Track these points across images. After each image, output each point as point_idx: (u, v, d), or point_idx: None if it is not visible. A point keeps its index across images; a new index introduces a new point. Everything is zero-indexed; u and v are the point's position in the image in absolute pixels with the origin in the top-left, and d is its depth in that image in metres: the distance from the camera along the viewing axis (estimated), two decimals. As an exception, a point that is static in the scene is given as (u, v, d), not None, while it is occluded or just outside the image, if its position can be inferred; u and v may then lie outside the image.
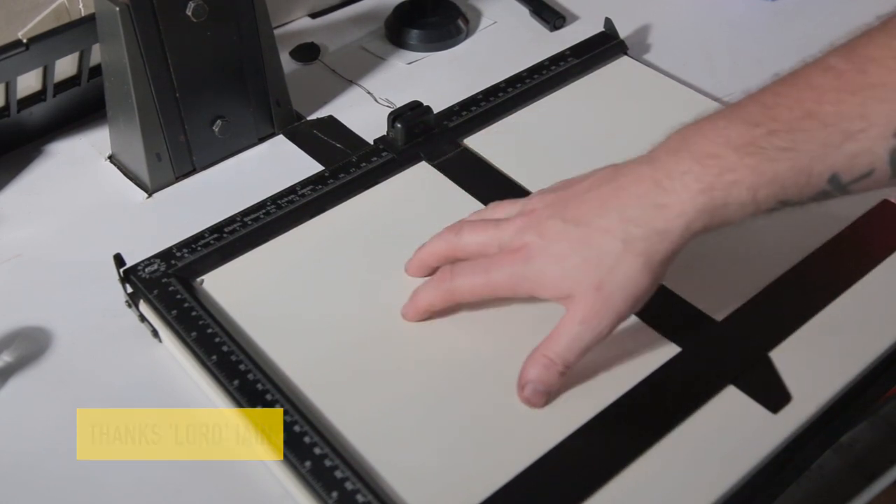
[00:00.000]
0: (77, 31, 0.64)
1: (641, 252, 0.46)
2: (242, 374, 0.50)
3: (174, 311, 0.53)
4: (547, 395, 0.49)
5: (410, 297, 0.54)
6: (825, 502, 0.48)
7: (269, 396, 0.48)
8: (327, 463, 0.45)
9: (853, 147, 0.42)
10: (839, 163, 0.43)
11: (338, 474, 0.45)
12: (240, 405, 0.49)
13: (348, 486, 0.44)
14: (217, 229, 0.59)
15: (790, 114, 0.44)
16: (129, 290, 0.56)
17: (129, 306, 0.56)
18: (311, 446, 0.46)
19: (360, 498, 0.44)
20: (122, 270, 0.56)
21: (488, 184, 0.63)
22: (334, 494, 0.44)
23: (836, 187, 0.44)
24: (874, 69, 0.43)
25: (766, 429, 0.48)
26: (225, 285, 0.57)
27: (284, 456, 0.46)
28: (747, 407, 0.49)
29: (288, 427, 0.47)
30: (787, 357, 0.51)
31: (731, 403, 0.49)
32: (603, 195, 0.47)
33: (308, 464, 0.45)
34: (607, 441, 0.48)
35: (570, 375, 0.50)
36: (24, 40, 0.62)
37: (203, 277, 0.57)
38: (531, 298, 0.49)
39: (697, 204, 0.44)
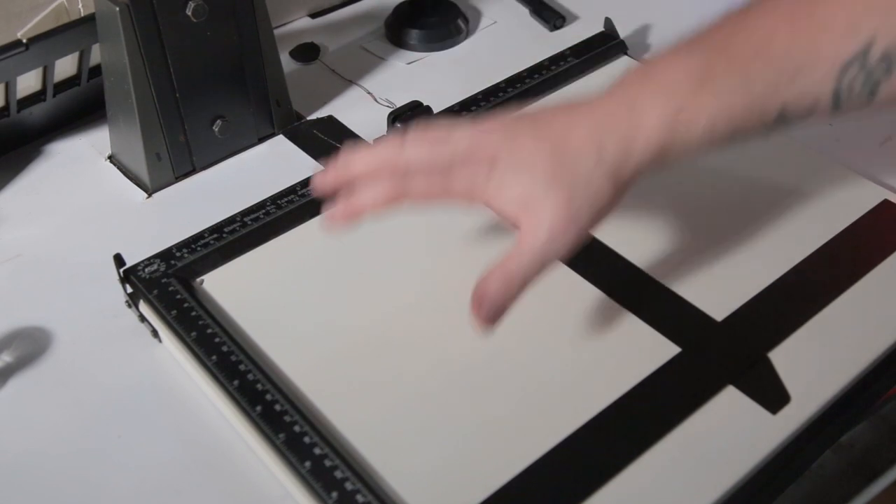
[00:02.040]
0: (77, 31, 0.64)
1: (612, 172, 0.45)
2: (242, 374, 0.50)
3: (174, 311, 0.53)
4: (501, 315, 0.46)
5: (345, 203, 0.49)
6: (825, 502, 0.48)
7: (268, 396, 0.48)
8: (327, 463, 0.45)
9: (802, 82, 0.44)
10: (788, 98, 0.44)
11: (338, 474, 0.45)
12: (240, 405, 0.49)
13: (348, 486, 0.44)
14: (217, 229, 0.59)
15: (744, 49, 0.45)
16: (129, 290, 0.56)
17: (129, 306, 0.56)
18: (311, 446, 0.46)
19: (360, 498, 0.44)
20: (122, 270, 0.56)
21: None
22: (334, 494, 0.44)
23: (782, 121, 0.45)
24: (822, 5, 0.44)
25: (765, 429, 0.48)
26: (225, 285, 0.57)
27: (284, 456, 0.46)
28: (747, 407, 0.49)
29: (288, 427, 0.47)
30: (787, 357, 0.51)
31: (730, 404, 0.49)
32: (572, 114, 0.47)
33: (308, 464, 0.45)
34: (607, 441, 0.47)
35: (571, 376, 0.50)
36: (24, 40, 0.62)
37: (203, 277, 0.57)
38: (486, 212, 0.47)
39: (662, 131, 0.45)
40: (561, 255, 0.46)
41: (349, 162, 0.48)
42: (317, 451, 0.46)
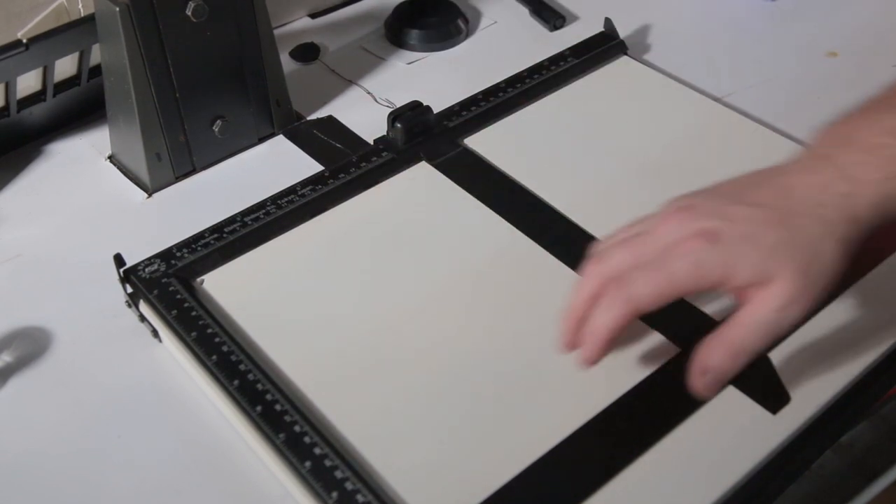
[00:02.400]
0: (77, 31, 0.64)
1: (841, 238, 0.44)
2: (242, 374, 0.50)
3: (174, 311, 0.53)
4: (724, 381, 0.45)
5: (583, 337, 0.46)
6: (825, 502, 0.48)
7: (269, 396, 0.48)
8: (327, 463, 0.45)
9: None
10: None
11: (338, 474, 0.45)
12: (240, 405, 0.49)
13: (348, 486, 0.44)
14: (217, 229, 0.59)
15: None
16: (129, 290, 0.56)
17: (129, 306, 0.56)
18: (311, 446, 0.46)
19: (360, 498, 0.44)
20: (122, 270, 0.56)
21: (488, 184, 0.63)
22: (334, 494, 0.44)
23: None
24: None
25: (765, 429, 0.48)
26: (225, 285, 0.57)
27: (284, 456, 0.46)
28: (747, 407, 0.49)
29: (288, 427, 0.47)
30: (787, 357, 0.51)
31: (730, 404, 0.49)
32: (782, 184, 0.45)
33: (308, 464, 0.45)
34: (607, 441, 0.47)
35: (571, 376, 0.50)
36: (24, 40, 0.62)
37: (203, 277, 0.57)
38: (702, 291, 0.45)
39: (881, 192, 0.44)
40: (790, 328, 0.45)
41: (572, 310, 0.47)
42: (317, 451, 0.46)
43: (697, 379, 0.45)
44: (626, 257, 0.46)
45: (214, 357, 0.51)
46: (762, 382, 0.50)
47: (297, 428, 0.47)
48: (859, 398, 0.50)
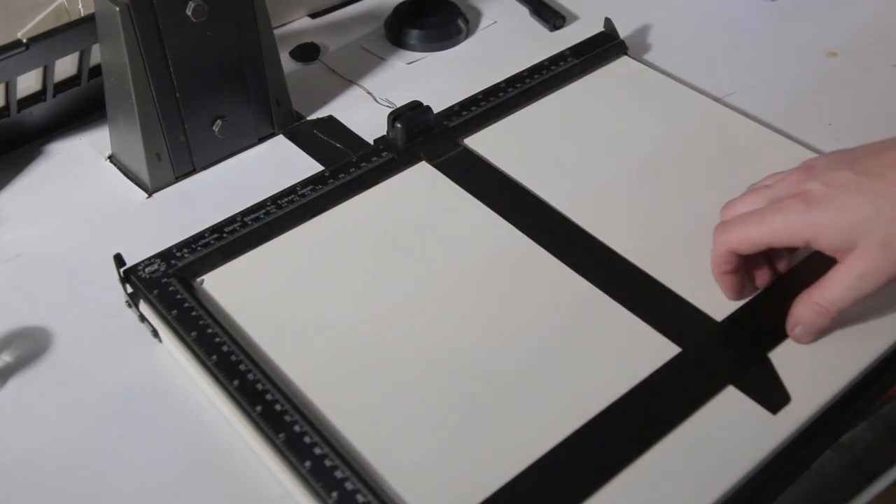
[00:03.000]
0: (77, 31, 0.64)
1: None
2: (242, 374, 0.50)
3: (174, 311, 0.53)
4: (817, 336, 0.51)
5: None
6: (825, 502, 0.48)
7: (269, 396, 0.48)
8: (327, 463, 0.45)
9: None
10: None
11: (338, 474, 0.45)
12: (240, 405, 0.49)
13: (348, 486, 0.44)
14: (217, 229, 0.59)
15: None
16: (129, 290, 0.56)
17: (129, 306, 0.56)
18: (311, 446, 0.46)
19: (360, 498, 0.44)
20: (122, 270, 0.56)
21: (489, 184, 0.63)
22: (334, 494, 0.44)
23: None
24: None
25: (765, 429, 0.48)
26: (225, 285, 0.57)
27: (284, 456, 0.46)
28: (747, 407, 0.49)
29: (288, 427, 0.47)
30: (787, 357, 0.51)
31: (730, 404, 0.49)
32: (885, 155, 0.47)
33: (308, 464, 0.45)
34: (607, 441, 0.47)
35: (571, 376, 0.50)
36: (24, 40, 0.62)
37: (203, 277, 0.57)
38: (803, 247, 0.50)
39: None
40: (871, 293, 0.48)
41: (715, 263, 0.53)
42: (317, 450, 0.46)
43: (790, 330, 0.51)
44: (744, 206, 0.51)
45: (214, 357, 0.51)
46: (762, 382, 0.50)
47: (297, 428, 0.47)
48: (859, 398, 0.50)
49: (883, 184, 0.46)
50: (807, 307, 0.50)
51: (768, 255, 0.54)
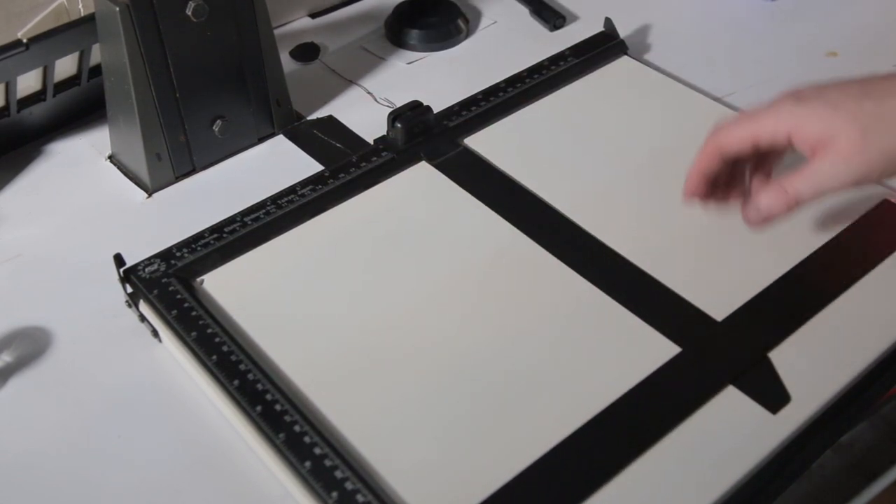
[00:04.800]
0: (77, 31, 0.64)
1: None
2: (242, 374, 0.50)
3: (174, 311, 0.53)
4: (767, 222, 0.52)
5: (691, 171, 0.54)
6: (825, 502, 0.48)
7: (269, 396, 0.48)
8: (327, 463, 0.45)
9: None
10: None
11: (338, 474, 0.45)
12: (240, 405, 0.49)
13: (348, 485, 0.44)
14: (217, 229, 0.59)
15: None
16: (129, 290, 0.56)
17: (129, 306, 0.56)
18: (311, 446, 0.46)
19: (360, 498, 0.44)
20: (122, 270, 0.56)
21: (489, 183, 0.63)
22: (334, 494, 0.44)
23: None
24: None
25: (765, 429, 0.48)
26: (225, 285, 0.57)
27: (284, 456, 0.46)
28: (747, 407, 0.49)
29: (288, 427, 0.47)
30: (787, 357, 0.51)
31: (730, 404, 0.49)
32: (882, 79, 0.50)
33: (308, 464, 0.45)
34: (607, 441, 0.47)
35: (571, 376, 0.50)
36: (24, 40, 0.62)
37: (203, 277, 0.57)
38: (786, 149, 0.51)
39: None
40: (839, 186, 0.49)
41: (691, 176, 0.55)
42: (317, 450, 0.46)
43: (745, 212, 0.52)
44: (738, 129, 0.52)
45: (214, 357, 0.51)
46: (762, 382, 0.50)
47: (297, 428, 0.47)
48: (859, 398, 0.50)
49: (866, 88, 0.49)
50: (772, 190, 0.51)
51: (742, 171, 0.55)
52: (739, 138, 0.52)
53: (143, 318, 0.56)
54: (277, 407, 0.48)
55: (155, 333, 0.55)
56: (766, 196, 0.51)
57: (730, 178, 0.55)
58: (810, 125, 0.49)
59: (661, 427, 0.48)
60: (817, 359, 0.51)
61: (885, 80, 0.50)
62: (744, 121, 0.52)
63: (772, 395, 0.49)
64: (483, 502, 0.45)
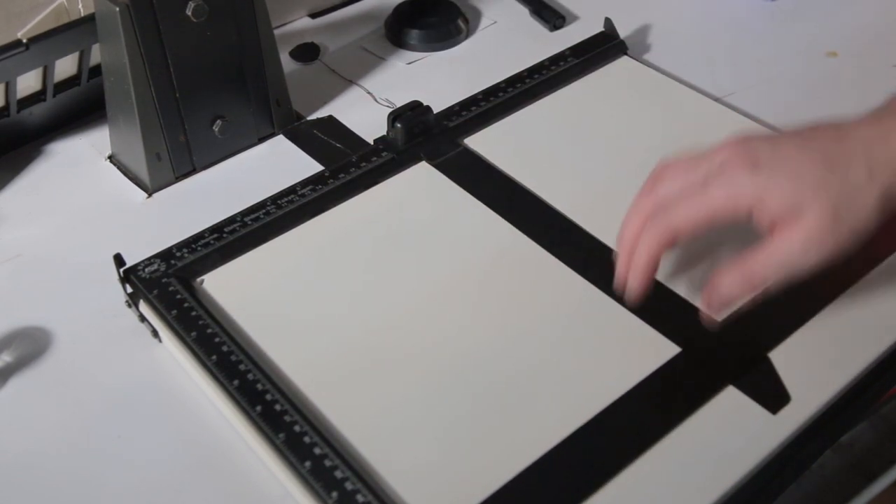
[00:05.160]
0: (77, 31, 0.64)
1: (884, 189, 0.44)
2: (242, 374, 0.50)
3: (174, 311, 0.53)
4: (730, 305, 0.47)
5: (631, 260, 0.49)
6: (825, 502, 0.48)
7: (269, 396, 0.48)
8: (327, 463, 0.45)
9: None
10: None
11: (338, 474, 0.45)
12: (240, 405, 0.49)
13: (348, 486, 0.44)
14: (217, 229, 0.59)
15: None
16: (129, 290, 0.56)
17: (129, 306, 0.56)
18: (311, 446, 0.46)
19: (360, 498, 0.44)
20: (122, 270, 0.56)
21: (489, 183, 0.63)
22: (334, 494, 0.44)
23: None
24: None
25: (765, 429, 0.48)
26: (225, 285, 0.57)
27: (284, 456, 0.46)
28: (747, 407, 0.49)
29: (288, 427, 0.47)
30: (787, 357, 0.51)
31: (730, 404, 0.49)
32: (840, 129, 0.46)
33: (308, 464, 0.45)
34: (607, 441, 0.47)
35: (571, 376, 0.50)
36: (24, 40, 0.62)
37: (203, 277, 0.57)
38: (743, 222, 0.45)
39: None
40: (810, 267, 0.45)
41: (622, 243, 0.49)
42: (317, 450, 0.46)
43: (706, 297, 0.47)
44: (674, 184, 0.47)
45: (214, 357, 0.51)
46: (762, 382, 0.50)
47: (296, 428, 0.47)
48: (859, 398, 0.50)
49: (829, 154, 0.44)
50: (733, 273, 0.46)
51: None
52: (696, 224, 0.46)
53: (143, 318, 0.56)
54: (277, 407, 0.48)
55: (155, 333, 0.55)
56: (727, 279, 0.46)
57: None
58: (774, 200, 0.44)
59: (661, 427, 0.48)
60: (817, 359, 0.51)
61: (842, 142, 0.45)
62: (699, 200, 0.46)
63: (772, 395, 0.49)
64: (483, 502, 0.45)
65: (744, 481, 0.46)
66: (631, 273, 0.48)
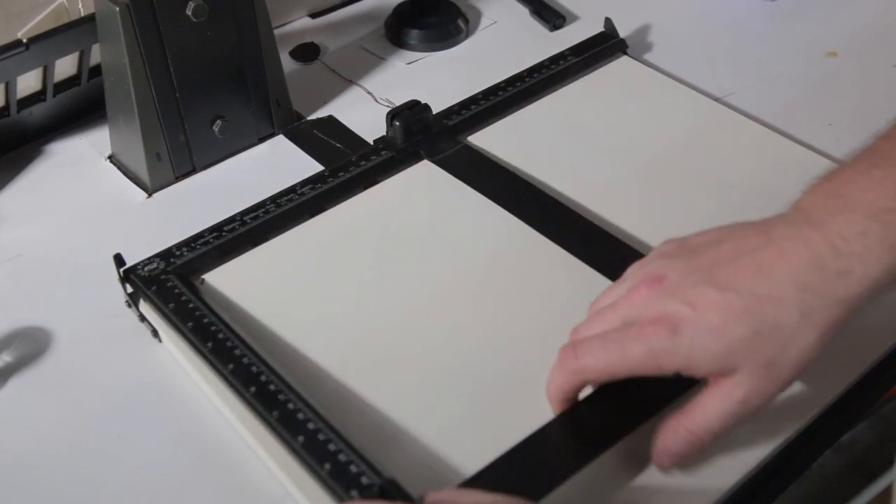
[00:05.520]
0: (77, 31, 0.64)
1: (819, 324, 0.41)
2: (237, 358, 0.49)
3: (171, 304, 0.53)
4: (684, 463, 0.44)
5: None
6: (825, 502, 0.48)
7: (263, 378, 0.48)
8: (321, 437, 0.45)
9: None
10: None
11: (331, 447, 0.44)
12: (234, 388, 0.48)
13: (342, 457, 0.44)
14: (217, 229, 0.59)
15: None
16: (129, 290, 0.56)
17: (129, 306, 0.56)
18: (304, 422, 0.46)
19: (353, 468, 0.43)
20: (122, 270, 0.56)
21: (490, 177, 0.63)
22: (327, 466, 0.44)
23: None
24: None
25: (765, 429, 0.48)
26: (225, 284, 0.56)
27: (278, 433, 0.46)
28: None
29: (282, 405, 0.47)
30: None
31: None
32: (764, 259, 0.42)
33: (301, 438, 0.45)
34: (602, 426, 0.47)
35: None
36: (24, 40, 0.62)
37: (203, 277, 0.57)
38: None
39: (882, 265, 0.40)
40: (754, 413, 0.42)
41: (550, 398, 0.47)
42: (310, 426, 0.46)
43: (658, 459, 0.44)
44: (592, 330, 0.45)
45: (210, 344, 0.50)
46: None
47: (290, 406, 0.47)
48: (859, 398, 0.50)
49: (754, 301, 0.41)
50: (678, 435, 0.43)
51: None
52: (610, 373, 0.43)
53: (143, 318, 0.55)
54: (272, 387, 0.48)
55: (155, 333, 0.55)
56: (672, 439, 0.43)
57: None
58: (702, 366, 0.41)
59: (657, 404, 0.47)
60: (817, 359, 0.51)
61: (768, 275, 0.41)
62: (614, 350, 0.43)
63: None
64: (479, 473, 0.44)
65: (744, 481, 0.46)
66: (550, 398, 0.47)
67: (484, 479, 0.44)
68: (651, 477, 0.46)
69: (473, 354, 0.52)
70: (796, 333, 0.41)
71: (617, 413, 0.47)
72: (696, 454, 0.44)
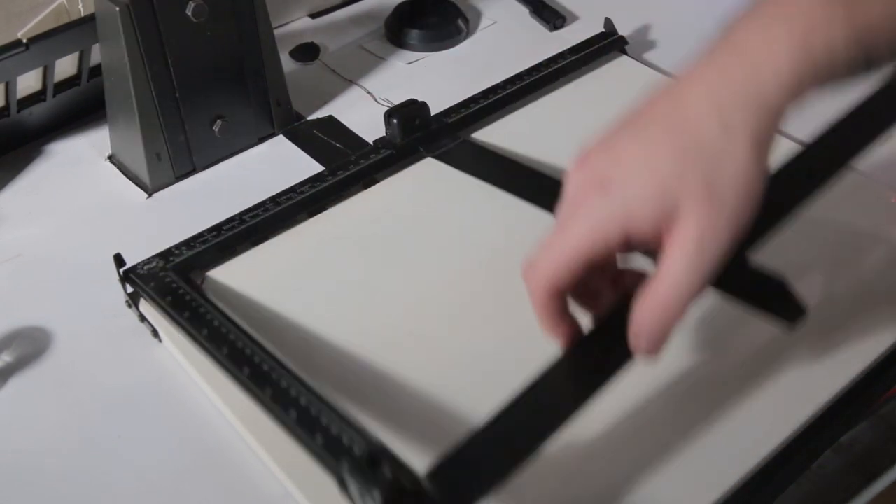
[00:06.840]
0: (77, 31, 0.64)
1: (744, 133, 0.37)
2: (231, 342, 0.49)
3: (169, 298, 0.53)
4: (664, 341, 0.40)
5: None
6: (825, 502, 0.48)
7: (256, 359, 0.48)
8: (312, 411, 0.44)
9: None
10: None
11: (323, 420, 0.44)
12: (228, 371, 0.48)
13: (333, 430, 0.43)
14: (216, 229, 0.59)
15: None
16: (129, 290, 0.56)
17: (130, 306, 0.56)
18: (296, 398, 0.45)
19: (345, 439, 0.43)
20: (121, 270, 0.56)
21: (490, 167, 0.63)
22: (318, 438, 0.43)
23: None
24: None
25: (765, 429, 0.48)
26: (225, 283, 0.57)
27: (270, 410, 0.45)
28: (747, 407, 0.49)
29: (274, 383, 0.46)
30: (787, 357, 0.51)
31: (729, 403, 0.49)
32: (674, 92, 0.40)
33: (293, 413, 0.45)
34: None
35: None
36: (24, 40, 0.62)
37: (203, 276, 0.57)
38: (627, 248, 0.40)
39: (793, 58, 0.37)
40: (720, 260, 0.38)
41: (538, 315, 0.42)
42: (302, 400, 0.45)
43: (635, 345, 0.40)
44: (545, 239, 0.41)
45: (205, 331, 0.50)
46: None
47: (283, 383, 0.46)
48: (859, 398, 0.50)
49: (672, 131, 0.38)
50: (648, 313, 0.39)
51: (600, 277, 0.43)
52: (568, 267, 0.40)
53: (143, 318, 0.56)
54: (265, 367, 0.47)
55: (155, 333, 0.55)
56: (639, 317, 0.39)
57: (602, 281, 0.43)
58: (641, 215, 0.38)
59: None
60: (817, 359, 0.51)
61: (680, 106, 0.39)
62: (559, 243, 0.40)
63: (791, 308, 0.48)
64: (472, 439, 0.42)
65: (744, 481, 0.46)
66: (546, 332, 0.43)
67: (487, 432, 0.42)
68: (651, 477, 0.46)
69: (485, 346, 0.52)
70: (724, 147, 0.37)
71: (616, 348, 0.43)
72: (670, 327, 0.39)
